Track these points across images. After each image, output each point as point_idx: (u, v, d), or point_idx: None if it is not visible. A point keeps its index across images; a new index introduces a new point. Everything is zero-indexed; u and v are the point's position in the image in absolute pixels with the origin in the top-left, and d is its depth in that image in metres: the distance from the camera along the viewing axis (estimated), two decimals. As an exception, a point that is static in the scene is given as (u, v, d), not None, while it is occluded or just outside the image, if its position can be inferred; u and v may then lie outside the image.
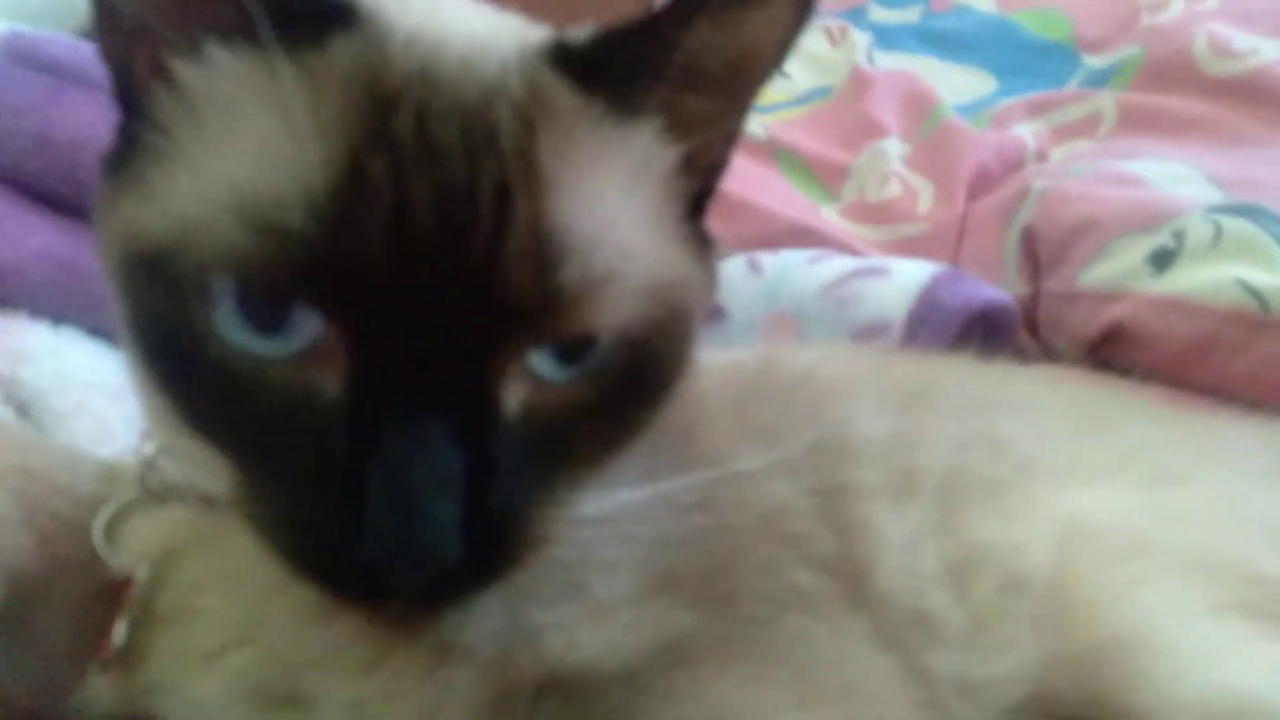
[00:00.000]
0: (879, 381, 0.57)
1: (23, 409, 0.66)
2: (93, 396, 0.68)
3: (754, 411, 0.53)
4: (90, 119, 0.83)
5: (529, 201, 0.38)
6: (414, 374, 0.37)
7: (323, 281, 0.36)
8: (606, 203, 0.41)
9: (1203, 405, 0.93)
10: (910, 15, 1.66)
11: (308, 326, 0.37)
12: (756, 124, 1.40)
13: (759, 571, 0.44)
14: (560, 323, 0.39)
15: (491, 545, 0.39)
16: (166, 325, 0.39)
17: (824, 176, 1.34)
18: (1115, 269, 1.00)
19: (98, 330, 0.79)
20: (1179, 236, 0.96)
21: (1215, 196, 1.01)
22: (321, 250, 0.36)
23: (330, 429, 0.37)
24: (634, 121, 0.43)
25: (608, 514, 0.42)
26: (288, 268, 0.36)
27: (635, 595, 0.41)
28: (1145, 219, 0.99)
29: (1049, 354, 1.08)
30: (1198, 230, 0.95)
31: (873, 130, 1.35)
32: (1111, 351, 1.00)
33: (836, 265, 1.13)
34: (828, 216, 1.29)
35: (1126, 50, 1.38)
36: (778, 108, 1.51)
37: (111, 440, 0.69)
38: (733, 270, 1.20)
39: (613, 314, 0.40)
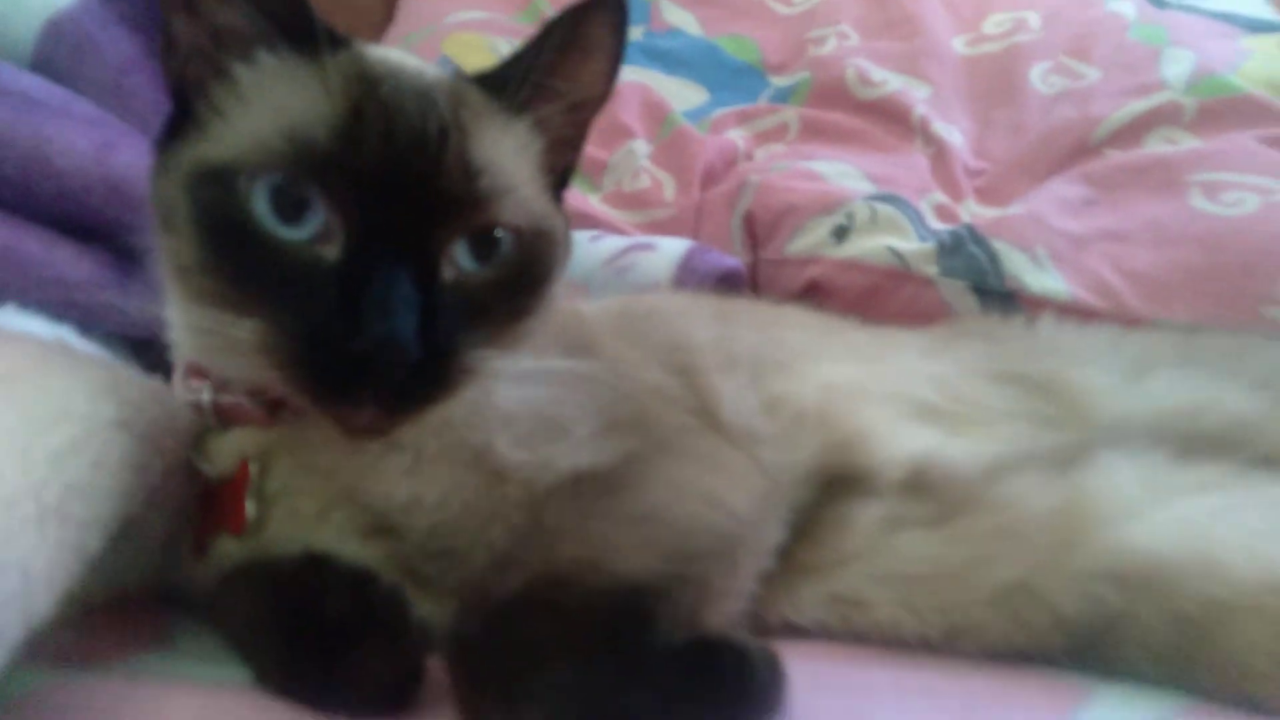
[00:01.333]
0: (701, 309, 0.87)
1: None
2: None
3: (627, 331, 0.80)
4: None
5: (457, 139, 0.61)
6: (387, 244, 0.58)
7: (333, 177, 0.58)
8: (504, 154, 0.65)
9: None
10: (636, 33, 1.99)
11: (315, 220, 0.58)
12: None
13: (659, 416, 0.71)
14: (478, 214, 0.61)
15: (435, 367, 0.58)
16: (222, 219, 0.58)
17: (588, 171, 1.62)
18: (810, 241, 1.39)
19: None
20: (850, 217, 1.37)
21: (870, 188, 1.43)
22: (334, 156, 0.58)
23: (330, 281, 0.57)
24: (517, 116, 0.67)
25: (541, 371, 0.65)
26: (310, 167, 0.57)
27: (596, 431, 0.67)
28: (827, 204, 1.39)
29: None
30: (861, 212, 1.37)
31: (623, 132, 1.65)
32: (811, 301, 1.40)
33: (612, 243, 1.43)
34: (595, 204, 1.58)
35: (800, 74, 1.79)
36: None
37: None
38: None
39: (510, 215, 0.63)
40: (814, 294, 1.37)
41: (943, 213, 1.40)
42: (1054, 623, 0.61)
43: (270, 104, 0.60)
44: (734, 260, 1.41)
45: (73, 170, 0.94)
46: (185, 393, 0.67)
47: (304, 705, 0.54)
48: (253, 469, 0.63)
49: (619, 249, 1.40)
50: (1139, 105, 1.49)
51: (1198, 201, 1.28)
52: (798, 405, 0.75)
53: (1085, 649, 0.61)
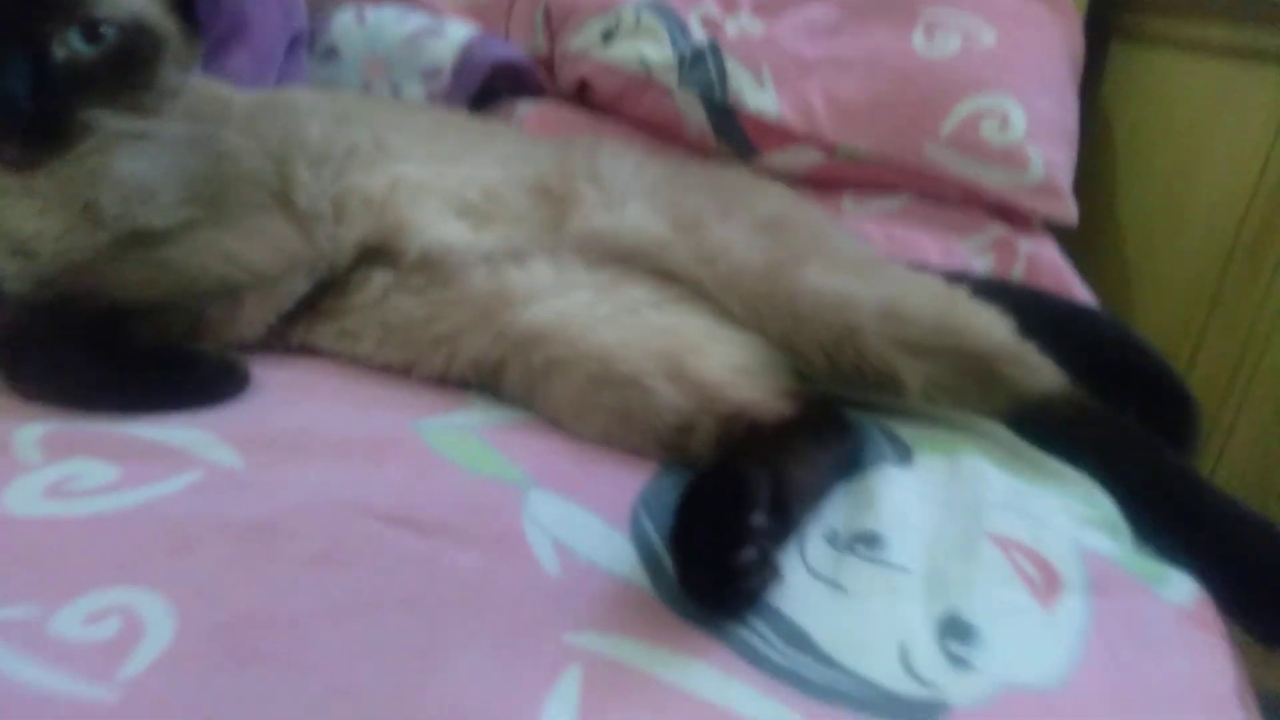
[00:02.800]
0: (329, 110, 1.03)
1: None
2: None
3: (255, 120, 0.95)
4: None
5: None
6: (3, 33, 0.74)
7: None
8: None
9: (639, 134, 1.50)
10: None
11: None
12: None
13: (235, 193, 0.89)
14: (79, 10, 0.77)
15: (53, 121, 0.76)
16: None
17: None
18: (583, 40, 1.53)
19: None
20: (618, 21, 1.51)
21: None
22: None
23: None
24: None
25: (151, 131, 0.82)
26: None
27: (179, 199, 0.85)
28: (604, 5, 1.52)
29: (560, 94, 1.62)
30: (627, 18, 1.49)
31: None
32: (582, 95, 1.56)
33: (413, 23, 1.57)
34: (424, -17, 1.70)
35: None
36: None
37: None
38: (346, 19, 1.60)
39: (109, 11, 0.79)
40: (585, 90, 1.54)
41: (708, 24, 1.53)
42: (468, 364, 0.85)
43: None
44: (512, 52, 1.56)
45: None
46: None
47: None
48: None
49: (416, 31, 1.54)
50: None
51: (917, 38, 1.41)
52: (364, 194, 0.93)
53: (485, 382, 0.86)
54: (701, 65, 1.42)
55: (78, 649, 0.52)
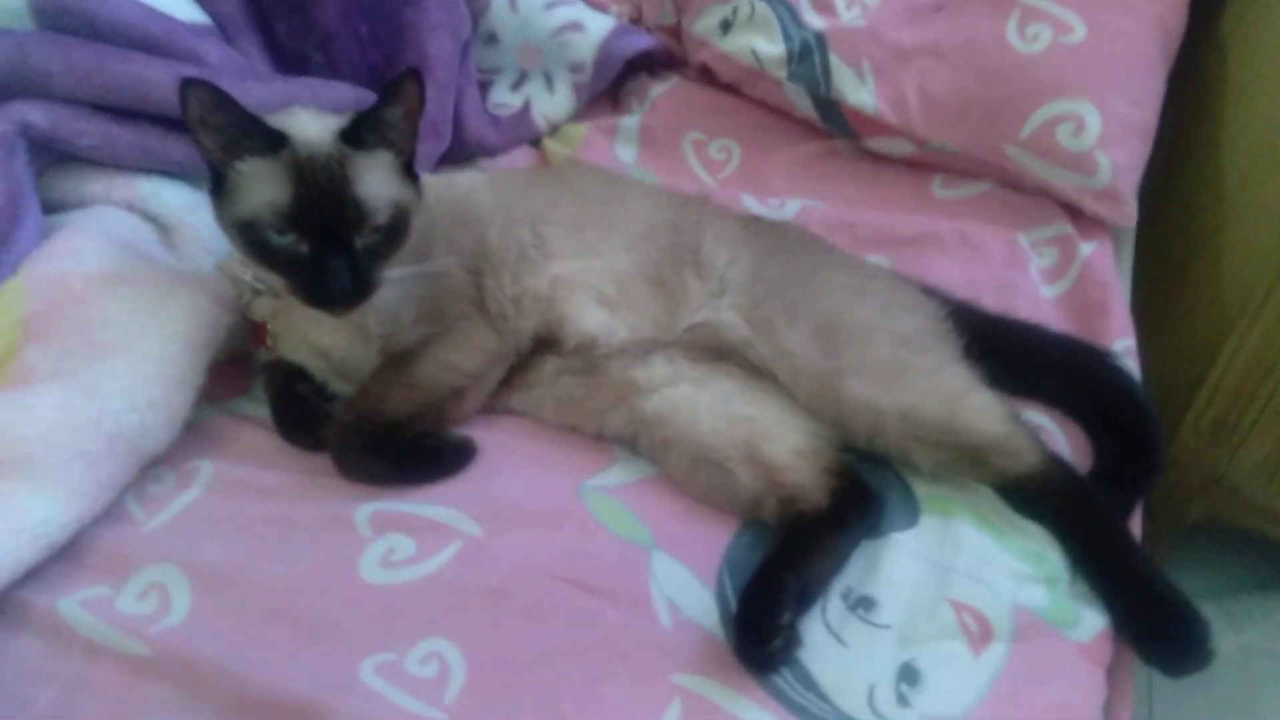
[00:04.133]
0: (500, 210, 1.35)
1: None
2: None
3: (454, 234, 1.32)
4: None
5: (348, 187, 1.12)
6: (327, 243, 1.14)
7: (294, 223, 1.12)
8: (374, 179, 1.15)
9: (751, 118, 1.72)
10: None
11: (291, 236, 1.14)
12: None
13: (449, 308, 1.27)
14: (367, 222, 1.14)
15: (359, 287, 1.16)
16: (256, 240, 1.15)
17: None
18: (705, 25, 1.71)
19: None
20: (735, 11, 1.66)
21: None
22: (294, 214, 1.13)
23: (307, 262, 1.14)
24: (374, 151, 1.17)
25: (400, 275, 1.21)
26: (286, 220, 1.12)
27: (415, 319, 1.25)
28: (727, -7, 1.67)
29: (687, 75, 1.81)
30: (743, 9, 1.66)
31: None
32: (708, 74, 1.76)
33: (558, 15, 1.78)
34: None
35: None
36: None
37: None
38: (501, 3, 1.83)
39: (383, 216, 1.16)
40: (708, 70, 1.74)
41: (820, 4, 1.65)
42: (613, 432, 1.24)
43: (260, 187, 1.13)
44: (646, 40, 1.76)
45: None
46: (244, 278, 1.30)
47: (287, 441, 1.28)
48: (269, 323, 1.30)
49: (562, 24, 1.77)
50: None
51: (1010, 29, 1.51)
52: (534, 294, 1.29)
53: (626, 443, 1.24)
54: (809, 60, 1.59)
55: (419, 683, 1.00)
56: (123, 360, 1.18)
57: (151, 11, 1.46)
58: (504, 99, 1.80)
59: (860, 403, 1.14)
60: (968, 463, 1.13)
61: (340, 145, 1.15)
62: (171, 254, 1.44)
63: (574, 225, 1.35)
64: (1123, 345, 1.32)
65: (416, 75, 1.13)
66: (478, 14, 1.81)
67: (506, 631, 1.04)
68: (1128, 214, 1.44)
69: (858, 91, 1.56)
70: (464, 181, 1.44)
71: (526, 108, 1.78)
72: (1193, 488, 1.91)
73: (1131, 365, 1.29)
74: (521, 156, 1.77)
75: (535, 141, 1.79)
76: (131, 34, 1.42)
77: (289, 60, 1.64)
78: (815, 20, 1.63)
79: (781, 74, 1.61)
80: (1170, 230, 1.73)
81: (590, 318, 1.28)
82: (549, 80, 1.79)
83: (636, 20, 1.84)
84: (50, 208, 1.41)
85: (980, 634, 1.02)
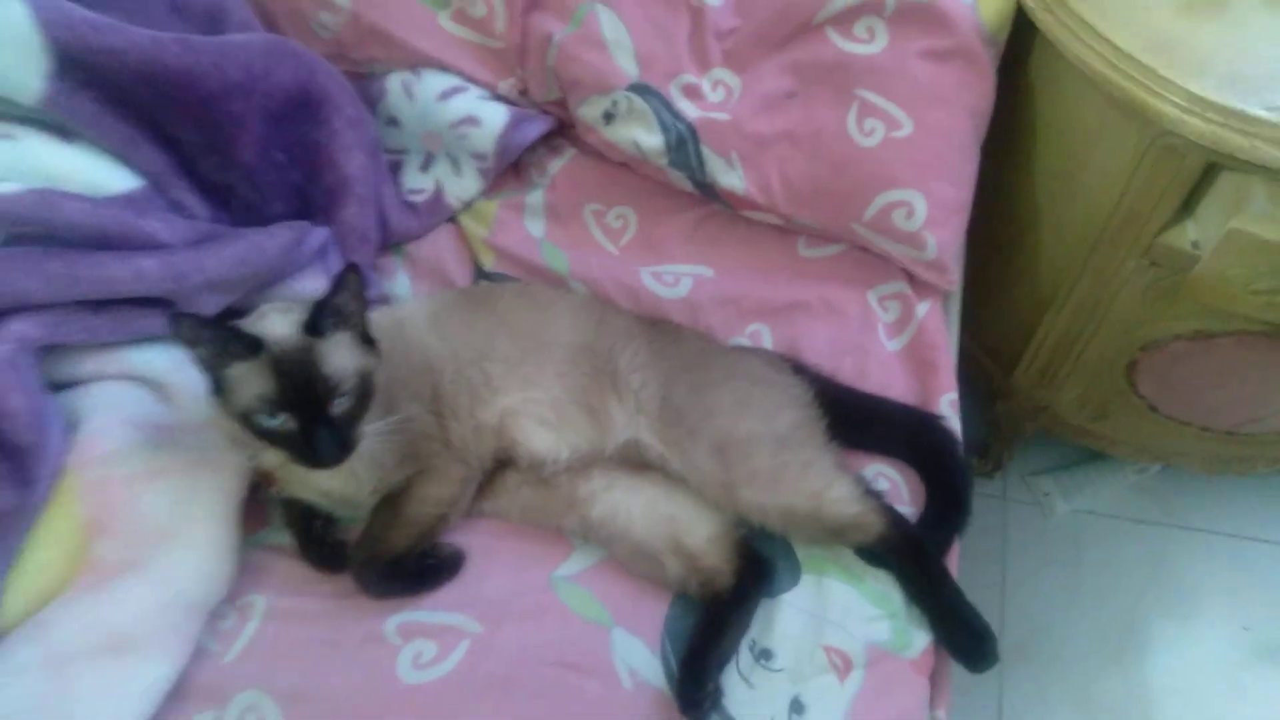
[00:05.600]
0: (450, 358, 1.65)
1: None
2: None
3: (411, 383, 1.61)
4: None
5: (318, 372, 1.41)
6: (311, 417, 1.44)
7: (281, 407, 1.40)
8: (339, 358, 1.44)
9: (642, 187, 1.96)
10: None
11: (281, 418, 1.43)
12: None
13: (423, 448, 1.58)
14: (339, 393, 1.43)
15: (343, 447, 1.46)
16: (250, 424, 1.45)
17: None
18: (590, 114, 1.89)
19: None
20: (615, 105, 1.87)
21: (635, 71, 1.86)
22: (278, 401, 1.41)
23: (297, 437, 1.45)
24: (334, 333, 1.46)
25: (376, 430, 1.52)
26: (272, 407, 1.41)
27: (396, 463, 1.57)
28: (602, 87, 1.85)
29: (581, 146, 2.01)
30: (622, 103, 1.86)
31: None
32: (599, 154, 1.97)
33: (453, 108, 1.94)
34: (443, 23, 1.97)
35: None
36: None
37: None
38: (395, 88, 1.98)
39: (349, 386, 1.44)
40: (599, 151, 1.96)
41: (689, 91, 1.86)
42: (570, 530, 1.59)
43: (248, 385, 1.39)
44: (541, 125, 1.96)
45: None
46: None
47: (315, 569, 1.62)
48: (276, 472, 1.60)
49: (456, 118, 1.94)
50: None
51: (850, 123, 1.77)
52: (489, 425, 1.61)
53: (583, 537, 1.56)
54: (684, 149, 1.84)
55: (462, 764, 1.43)
56: (182, 549, 1.50)
57: (97, 207, 1.62)
58: (416, 183, 1.99)
59: (751, 505, 1.53)
60: (831, 536, 1.55)
61: (305, 337, 1.44)
62: (169, 407, 1.70)
63: (513, 361, 1.65)
64: (947, 400, 1.71)
65: (355, 268, 1.43)
66: (374, 100, 1.97)
67: (518, 713, 1.46)
68: (951, 280, 1.79)
69: (728, 176, 1.82)
70: (409, 321, 1.71)
71: (439, 193, 1.98)
72: (1026, 413, 2.42)
73: (953, 420, 1.69)
74: (443, 234, 2.00)
75: (452, 218, 2.02)
76: (87, 232, 1.60)
77: (219, 193, 1.81)
78: (688, 108, 1.84)
79: (663, 162, 1.85)
80: (1000, 217, 2.09)
81: (538, 439, 1.61)
82: (455, 164, 1.99)
83: (524, 91, 2.00)
84: (54, 387, 1.64)
85: (844, 667, 1.48)
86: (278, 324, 1.45)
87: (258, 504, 1.70)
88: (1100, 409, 2.27)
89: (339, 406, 1.44)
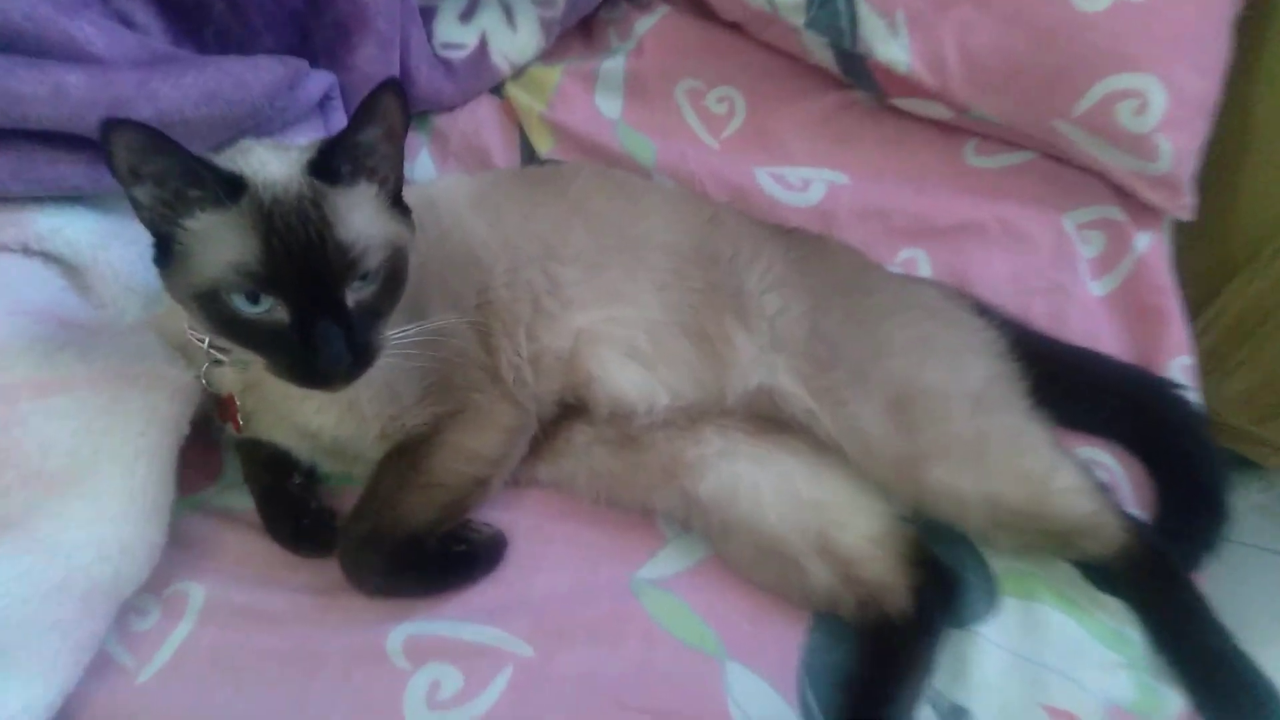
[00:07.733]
0: (503, 244, 1.14)
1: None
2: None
3: (449, 279, 1.11)
4: None
5: (328, 232, 0.91)
6: (312, 304, 0.92)
7: (267, 283, 0.90)
8: (358, 219, 0.94)
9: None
10: None
11: (267, 303, 0.92)
12: None
13: (459, 379, 1.08)
14: (356, 269, 0.93)
15: (358, 358, 0.96)
16: (220, 313, 0.92)
17: None
18: None
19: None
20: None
21: None
22: (264, 274, 0.90)
23: (288, 333, 0.94)
24: (354, 182, 0.94)
25: (399, 339, 1.00)
26: (255, 281, 0.89)
27: (417, 396, 1.06)
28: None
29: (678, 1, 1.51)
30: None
31: None
32: (702, 11, 1.48)
33: None
34: None
35: None
36: None
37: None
38: None
39: (375, 258, 0.94)
40: (700, 2, 1.47)
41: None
42: (662, 513, 1.11)
43: (219, 247, 0.89)
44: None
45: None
46: (199, 343, 1.05)
47: (289, 551, 1.10)
48: (238, 399, 1.08)
49: None
50: None
51: (1068, -25, 1.29)
52: (555, 352, 1.11)
53: (680, 524, 1.11)
54: (830, 6, 1.35)
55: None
56: (80, 501, 0.97)
57: (5, -9, 1.09)
58: (454, 36, 1.49)
59: (943, 490, 1.04)
60: (1053, 545, 1.07)
61: (312, 181, 0.93)
62: (86, 300, 1.17)
63: (592, 262, 1.15)
64: (1179, 364, 1.25)
65: (395, 86, 0.91)
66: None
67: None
68: (1185, 203, 1.32)
69: (888, 46, 1.34)
70: (445, 199, 1.19)
71: (483, 48, 1.48)
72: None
73: (1191, 391, 1.23)
74: (484, 106, 1.50)
75: (496, 87, 1.51)
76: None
77: (186, 14, 1.29)
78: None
79: (799, 20, 1.36)
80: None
81: (625, 377, 1.11)
82: (508, 11, 1.48)
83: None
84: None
85: (1075, 734, 1.00)
86: (269, 162, 0.94)
87: (205, 446, 1.18)
88: (1272, 409, 1.81)
89: (359, 293, 0.94)
